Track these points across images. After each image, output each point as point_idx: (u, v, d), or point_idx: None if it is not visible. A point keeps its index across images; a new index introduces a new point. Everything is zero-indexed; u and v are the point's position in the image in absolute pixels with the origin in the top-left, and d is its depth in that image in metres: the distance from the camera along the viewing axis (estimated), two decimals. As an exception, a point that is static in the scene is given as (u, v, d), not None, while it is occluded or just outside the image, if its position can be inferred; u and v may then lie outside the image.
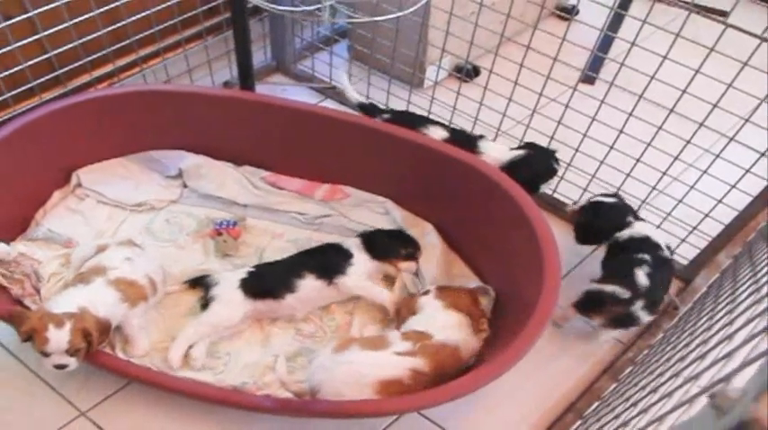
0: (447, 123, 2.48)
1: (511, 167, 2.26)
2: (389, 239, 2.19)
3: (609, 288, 1.99)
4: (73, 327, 1.67)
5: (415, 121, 2.40)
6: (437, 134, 2.34)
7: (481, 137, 2.40)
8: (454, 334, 1.88)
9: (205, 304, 2.01)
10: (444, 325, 1.90)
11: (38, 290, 2.01)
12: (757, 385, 0.81)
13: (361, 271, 2.10)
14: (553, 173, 2.37)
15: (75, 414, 1.88)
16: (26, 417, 1.87)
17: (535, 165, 2.32)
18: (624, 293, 1.95)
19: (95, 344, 1.73)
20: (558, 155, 2.37)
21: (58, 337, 1.66)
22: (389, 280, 2.20)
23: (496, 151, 2.33)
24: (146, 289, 1.93)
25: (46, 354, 1.68)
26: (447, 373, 1.79)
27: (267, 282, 2.04)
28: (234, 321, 1.99)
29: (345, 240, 2.19)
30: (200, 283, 2.08)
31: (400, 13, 1.88)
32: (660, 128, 2.15)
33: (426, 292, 2.02)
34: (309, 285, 2.04)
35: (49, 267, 2.07)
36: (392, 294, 2.11)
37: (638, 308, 1.96)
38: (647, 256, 2.02)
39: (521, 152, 2.33)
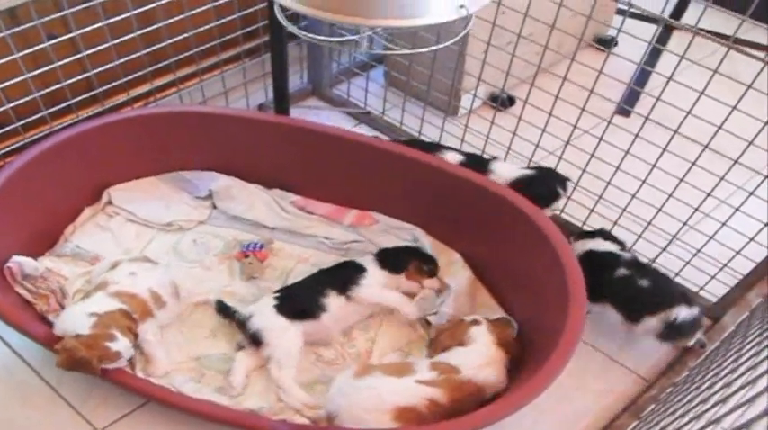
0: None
1: (514, 186, 2.29)
2: (404, 254, 2.19)
3: None
4: (119, 328, 1.77)
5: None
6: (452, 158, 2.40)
7: (494, 158, 2.45)
8: (488, 373, 1.85)
9: (255, 341, 1.98)
10: (483, 363, 1.87)
11: (62, 306, 2.03)
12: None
13: (375, 282, 2.10)
14: (555, 196, 2.37)
15: (92, 431, 1.90)
16: (43, 434, 1.90)
17: (538, 186, 2.33)
18: None
19: (136, 326, 1.85)
20: (568, 182, 2.39)
21: (122, 344, 1.75)
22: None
23: (506, 170, 2.37)
24: (148, 302, 1.95)
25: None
26: (465, 409, 1.77)
27: (300, 303, 2.03)
28: (299, 345, 1.97)
29: (360, 257, 2.19)
30: (227, 313, 2.07)
31: (440, 46, 1.87)
32: (694, 163, 2.11)
33: (477, 322, 1.98)
34: (334, 303, 2.04)
35: (75, 284, 2.10)
36: (411, 302, 2.14)
37: None
38: None
39: (527, 172, 2.37)
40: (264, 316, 1.99)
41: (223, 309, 2.08)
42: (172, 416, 1.91)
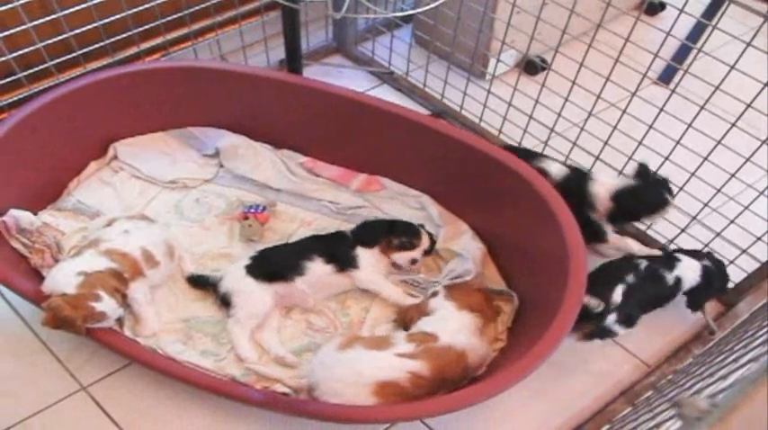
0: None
1: (618, 196, 2.08)
2: (377, 226, 2.11)
3: None
4: (106, 288, 1.74)
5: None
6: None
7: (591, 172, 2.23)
8: (463, 337, 1.81)
9: (225, 302, 1.97)
10: (455, 328, 1.83)
11: (57, 261, 2.00)
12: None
13: (370, 262, 2.04)
14: (663, 205, 2.08)
15: (77, 387, 1.90)
16: (30, 387, 1.90)
17: (647, 195, 2.08)
18: None
19: (125, 287, 1.83)
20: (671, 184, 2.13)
21: (107, 304, 1.72)
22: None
23: (609, 181, 2.13)
24: (139, 261, 1.91)
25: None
26: (450, 379, 1.73)
27: (272, 265, 1.99)
28: (267, 305, 1.94)
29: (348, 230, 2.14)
30: (203, 283, 2.04)
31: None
32: (719, 143, 2.00)
33: (435, 294, 1.95)
34: (318, 269, 1.99)
35: (71, 239, 2.08)
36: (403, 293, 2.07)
37: None
38: None
39: (631, 182, 2.10)
40: (234, 277, 1.97)
41: (196, 281, 2.05)
42: (156, 377, 1.90)
